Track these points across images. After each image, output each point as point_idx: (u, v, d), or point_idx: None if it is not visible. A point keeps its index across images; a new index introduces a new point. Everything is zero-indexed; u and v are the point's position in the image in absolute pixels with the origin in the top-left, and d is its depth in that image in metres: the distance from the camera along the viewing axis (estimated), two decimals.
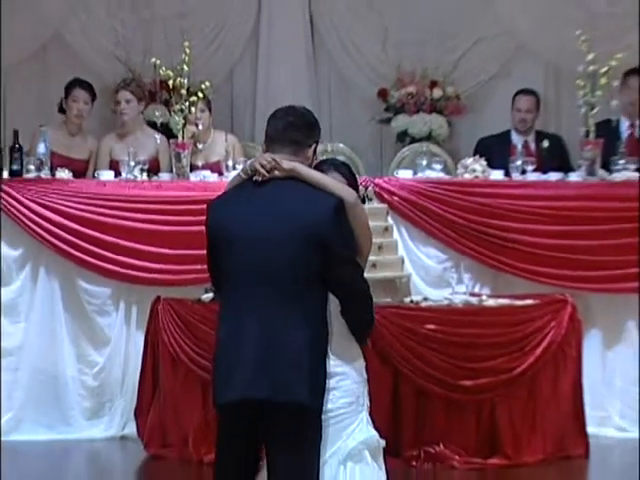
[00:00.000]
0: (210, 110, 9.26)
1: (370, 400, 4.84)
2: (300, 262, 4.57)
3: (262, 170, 4.62)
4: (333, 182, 4.70)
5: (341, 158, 8.80)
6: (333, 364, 4.66)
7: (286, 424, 4.54)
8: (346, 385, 4.70)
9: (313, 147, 4.81)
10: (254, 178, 4.66)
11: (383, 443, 4.78)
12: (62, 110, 9.32)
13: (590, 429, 8.17)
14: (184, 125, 8.74)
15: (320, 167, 4.89)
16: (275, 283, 4.59)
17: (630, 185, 8.78)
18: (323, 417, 4.61)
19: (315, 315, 4.62)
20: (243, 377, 4.56)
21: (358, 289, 4.69)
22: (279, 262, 4.58)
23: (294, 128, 4.77)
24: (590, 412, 8.19)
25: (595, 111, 8.87)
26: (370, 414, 4.82)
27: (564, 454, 8.00)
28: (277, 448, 4.56)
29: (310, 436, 4.57)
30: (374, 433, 4.74)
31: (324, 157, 5.47)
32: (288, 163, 4.65)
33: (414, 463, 7.71)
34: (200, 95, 8.81)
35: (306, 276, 4.58)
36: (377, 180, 8.69)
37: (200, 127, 9.07)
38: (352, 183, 4.93)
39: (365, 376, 4.80)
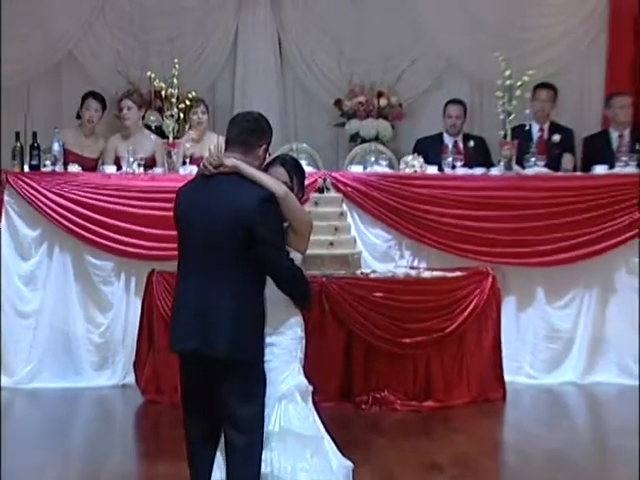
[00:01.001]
0: (208, 112, 9.21)
1: (305, 353, 4.83)
2: (231, 242, 4.59)
3: (209, 166, 4.68)
4: (266, 178, 4.68)
5: (303, 155, 8.76)
6: (270, 324, 4.69)
7: (221, 374, 4.57)
8: (282, 341, 4.71)
9: (263, 147, 4.77)
10: (204, 172, 4.72)
11: (311, 388, 4.77)
12: (79, 116, 9.22)
13: (506, 377, 8.16)
14: (176, 128, 8.71)
15: (270, 162, 4.89)
16: (212, 258, 4.63)
17: (539, 178, 8.74)
18: (265, 367, 4.67)
19: (244, 284, 4.62)
20: (182, 331, 4.67)
21: (280, 267, 4.66)
22: (216, 241, 4.61)
23: (246, 132, 4.76)
24: (506, 363, 8.17)
25: (511, 117, 8.81)
26: (304, 366, 4.82)
27: (485, 397, 8.01)
28: (219, 395, 4.60)
29: (243, 384, 4.59)
30: (303, 380, 4.75)
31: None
32: (231, 161, 4.67)
33: (363, 406, 7.70)
34: (188, 102, 8.77)
35: (236, 254, 4.59)
36: (334, 173, 8.67)
37: (200, 125, 9.08)
38: (298, 176, 4.89)
39: (300, 334, 4.79)
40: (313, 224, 4.86)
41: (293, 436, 4.63)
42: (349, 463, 4.75)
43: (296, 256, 4.78)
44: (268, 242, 4.59)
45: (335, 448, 4.72)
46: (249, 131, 4.74)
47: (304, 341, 4.81)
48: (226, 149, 4.78)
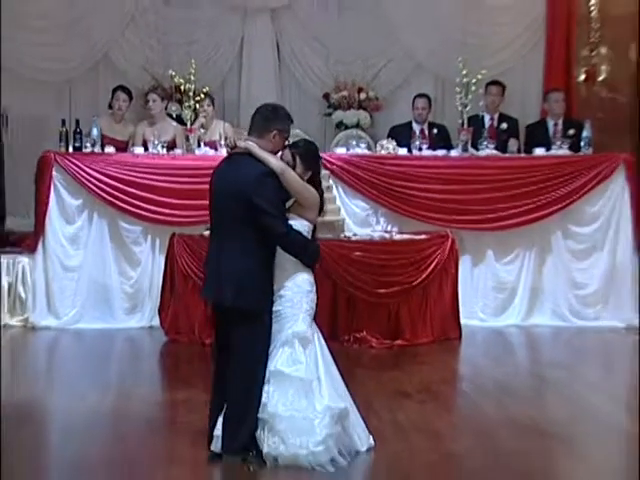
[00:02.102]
0: (214, 105, 9.03)
1: (316, 305, 4.77)
2: (237, 211, 4.58)
3: (227, 148, 4.78)
4: (269, 157, 4.62)
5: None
6: (279, 280, 4.67)
7: (231, 319, 4.67)
8: (288, 294, 4.67)
9: (274, 133, 4.67)
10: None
11: (310, 334, 4.70)
12: (110, 106, 9.05)
13: (462, 320, 8.09)
14: (193, 117, 8.57)
15: (287, 145, 4.82)
16: (225, 225, 4.67)
17: (490, 159, 8.64)
18: (273, 316, 4.66)
19: (250, 246, 4.60)
20: (206, 284, 4.81)
21: (275, 232, 4.60)
22: (227, 211, 4.63)
23: (261, 119, 4.72)
24: (462, 309, 8.10)
25: (468, 109, 8.71)
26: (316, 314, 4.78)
27: (445, 337, 7.95)
28: (230, 334, 4.70)
29: (247, 329, 4.62)
30: (304, 328, 4.67)
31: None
32: (244, 143, 4.67)
33: (346, 344, 7.64)
34: (202, 96, 8.66)
35: (242, 221, 4.58)
36: (322, 154, 8.29)
37: (207, 115, 8.83)
38: (302, 158, 4.76)
39: (307, 288, 4.71)
40: (318, 201, 4.77)
41: (283, 376, 4.62)
42: (340, 406, 4.67)
43: (303, 224, 4.71)
44: (263, 210, 4.53)
45: (332, 391, 4.64)
46: (263, 118, 4.70)
47: (312, 295, 4.74)
48: (248, 133, 4.75)
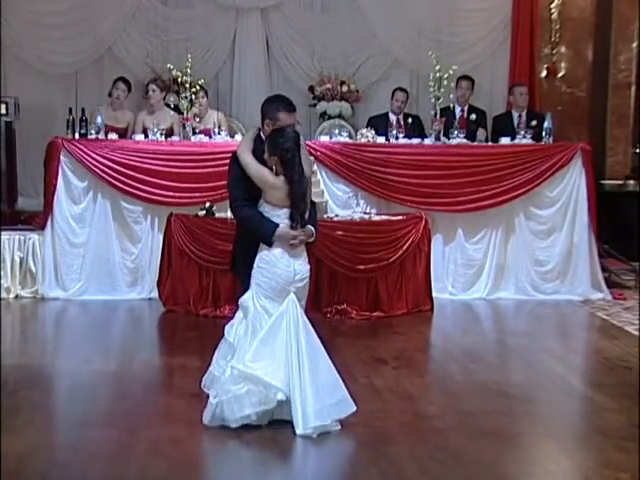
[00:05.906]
0: (207, 96, 8.98)
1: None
2: None
3: None
4: (240, 144, 4.78)
5: None
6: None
7: None
8: (254, 267, 4.70)
9: (267, 121, 4.74)
10: None
11: (249, 308, 4.63)
12: (110, 94, 8.97)
13: (434, 294, 8.09)
14: (190, 107, 8.51)
15: None
16: None
17: (460, 147, 8.61)
18: None
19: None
20: None
21: (230, 206, 4.81)
22: None
23: (260, 110, 4.84)
24: (434, 284, 8.11)
25: (440, 101, 8.72)
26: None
27: (418, 309, 7.94)
28: None
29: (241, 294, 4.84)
30: (246, 298, 4.67)
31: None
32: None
33: (328, 315, 7.62)
34: (198, 87, 8.64)
35: None
36: (307, 142, 8.28)
37: (201, 107, 8.79)
38: (268, 147, 4.65)
39: (261, 265, 4.65)
40: (265, 182, 4.62)
41: (224, 337, 4.73)
42: (247, 371, 4.50)
43: (263, 205, 4.66)
44: (227, 187, 4.80)
45: (252, 358, 4.50)
46: (260, 109, 4.83)
47: (265, 270, 4.61)
48: None
